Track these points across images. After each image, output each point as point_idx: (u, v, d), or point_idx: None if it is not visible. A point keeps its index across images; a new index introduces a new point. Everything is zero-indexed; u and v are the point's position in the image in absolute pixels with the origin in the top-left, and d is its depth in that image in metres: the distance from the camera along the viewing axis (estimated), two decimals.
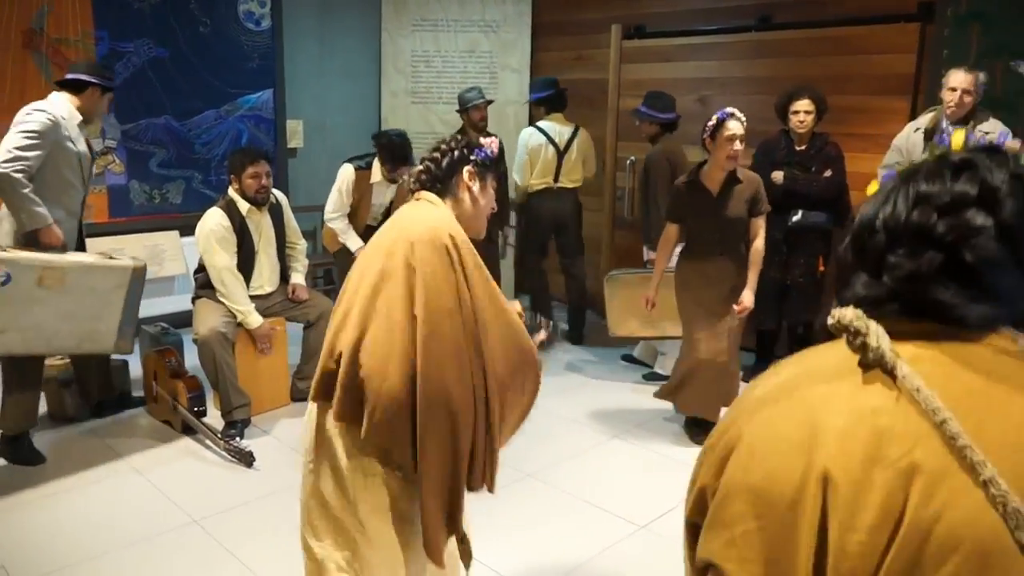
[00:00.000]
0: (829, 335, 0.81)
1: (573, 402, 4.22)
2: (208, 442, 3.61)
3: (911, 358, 0.73)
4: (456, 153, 1.97)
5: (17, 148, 3.17)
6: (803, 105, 4.05)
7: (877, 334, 0.75)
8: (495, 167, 2.06)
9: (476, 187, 1.98)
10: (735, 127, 3.30)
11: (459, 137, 2.05)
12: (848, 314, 0.77)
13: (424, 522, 1.77)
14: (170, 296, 4.01)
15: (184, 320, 4.52)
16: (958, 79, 3.49)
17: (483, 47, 6.20)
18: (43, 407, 3.85)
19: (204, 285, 3.85)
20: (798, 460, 0.72)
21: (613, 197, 5.46)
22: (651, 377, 4.57)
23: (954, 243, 0.73)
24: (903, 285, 0.76)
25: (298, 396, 4.13)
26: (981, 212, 0.73)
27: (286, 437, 3.76)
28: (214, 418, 3.79)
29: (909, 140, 3.72)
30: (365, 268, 1.84)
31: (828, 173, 4.10)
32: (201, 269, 3.88)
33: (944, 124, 3.60)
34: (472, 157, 1.98)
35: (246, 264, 3.87)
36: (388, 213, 4.57)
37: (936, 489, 0.66)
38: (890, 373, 0.73)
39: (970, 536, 0.65)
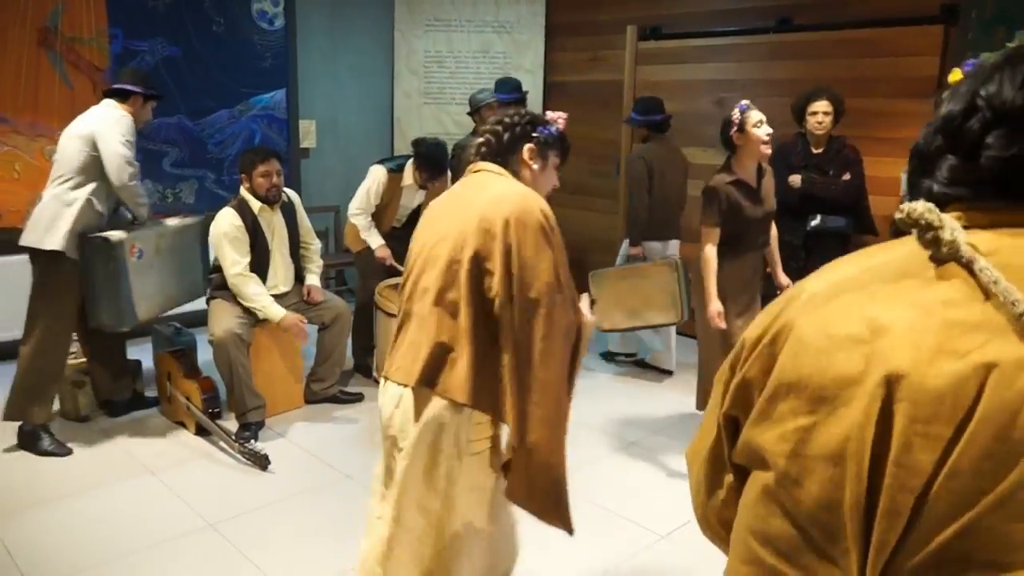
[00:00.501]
0: (898, 232, 0.78)
1: (586, 407, 4.17)
2: (222, 444, 3.58)
3: (988, 249, 0.70)
4: (518, 129, 1.91)
5: (130, 157, 3.44)
6: (821, 106, 4.00)
7: (951, 227, 0.71)
8: (559, 144, 1.99)
9: (536, 166, 1.93)
10: (759, 113, 3.27)
11: (523, 112, 1.98)
12: (919, 207, 0.74)
13: (539, 489, 1.79)
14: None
15: (197, 320, 4.50)
16: None
17: (496, 48, 6.17)
18: (56, 407, 3.84)
19: (219, 286, 3.82)
20: (857, 354, 0.70)
21: (627, 198, 5.42)
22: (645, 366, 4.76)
23: None
24: (1005, 165, 0.72)
25: (312, 398, 4.10)
26: None
27: (301, 440, 3.72)
28: (228, 419, 3.75)
29: None
30: (454, 244, 1.77)
31: (847, 176, 4.05)
32: (215, 270, 3.86)
33: None
34: (534, 134, 1.92)
35: (260, 263, 3.84)
36: (415, 215, 4.54)
37: (1014, 382, 0.63)
38: (966, 266, 0.70)
39: None
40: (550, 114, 2.01)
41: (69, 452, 3.48)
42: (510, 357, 1.73)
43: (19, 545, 2.78)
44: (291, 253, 4.01)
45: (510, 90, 4.96)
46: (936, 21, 4.12)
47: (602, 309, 4.28)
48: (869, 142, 4.25)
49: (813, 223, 4.07)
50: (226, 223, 3.72)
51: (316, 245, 4.19)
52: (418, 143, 4.31)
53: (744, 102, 3.29)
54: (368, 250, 4.40)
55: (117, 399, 3.89)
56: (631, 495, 3.24)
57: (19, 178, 4.54)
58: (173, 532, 2.90)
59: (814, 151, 4.10)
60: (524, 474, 1.79)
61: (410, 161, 4.32)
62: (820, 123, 4.00)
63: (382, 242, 4.37)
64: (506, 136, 1.91)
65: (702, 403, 3.72)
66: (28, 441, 3.48)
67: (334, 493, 3.24)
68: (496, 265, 1.72)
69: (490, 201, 1.79)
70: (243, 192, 3.83)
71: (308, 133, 5.86)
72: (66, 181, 3.42)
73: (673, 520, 3.04)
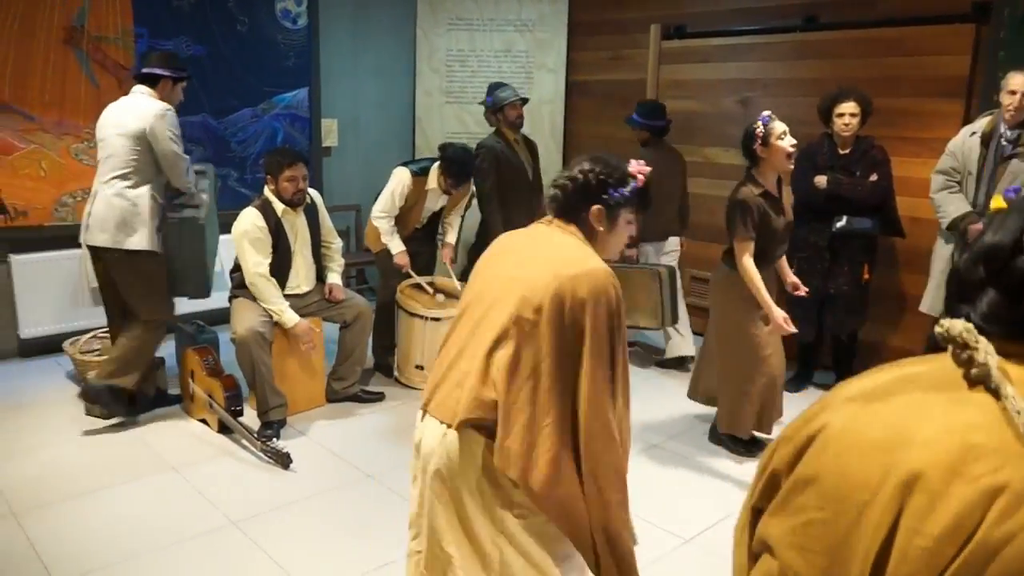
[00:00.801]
0: (935, 346, 0.79)
1: None
2: (245, 442, 3.59)
3: (1019, 379, 0.71)
4: (587, 189, 1.82)
5: (181, 151, 3.62)
6: (848, 107, 3.95)
7: (986, 350, 0.72)
8: (634, 202, 1.86)
9: (602, 227, 1.84)
10: (782, 124, 3.23)
11: (599, 168, 1.84)
12: (958, 326, 0.75)
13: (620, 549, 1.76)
14: (217, 292, 4.06)
15: (219, 318, 4.52)
16: (1018, 82, 3.37)
17: (519, 46, 6.15)
18: (81, 403, 3.88)
19: (241, 284, 3.83)
20: (876, 461, 0.71)
21: None
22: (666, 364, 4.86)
23: None
24: None
25: (333, 397, 4.10)
26: None
27: (322, 439, 3.73)
28: (250, 418, 3.77)
29: (965, 144, 3.61)
30: (520, 303, 1.70)
31: (874, 177, 3.99)
32: (238, 268, 3.87)
33: (1002, 128, 3.49)
34: (604, 195, 1.82)
35: (282, 264, 3.85)
36: (436, 217, 4.54)
37: (1015, 512, 0.64)
38: (993, 392, 0.71)
39: None
40: (633, 165, 1.86)
41: (134, 415, 3.76)
42: (564, 429, 1.70)
43: (43, 539, 2.80)
44: (313, 253, 4.02)
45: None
46: (967, 20, 4.05)
47: None
48: (897, 142, 4.19)
49: (839, 224, 4.02)
50: (249, 223, 3.72)
51: (337, 244, 4.20)
52: (445, 147, 4.29)
53: (766, 113, 3.24)
54: (388, 249, 4.40)
55: (142, 395, 3.92)
56: (654, 499, 3.20)
57: (45, 176, 4.58)
58: (196, 529, 2.91)
59: (840, 152, 4.05)
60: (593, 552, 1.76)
61: (435, 165, 4.31)
62: (847, 125, 3.95)
63: (402, 248, 4.36)
64: (574, 194, 1.82)
65: (694, 391, 3.82)
66: (99, 397, 3.65)
67: (356, 492, 3.24)
68: (560, 338, 1.68)
69: (562, 269, 1.71)
70: (267, 193, 3.84)
71: (330, 132, 5.88)
72: (123, 179, 3.56)
73: (697, 524, 3.01)
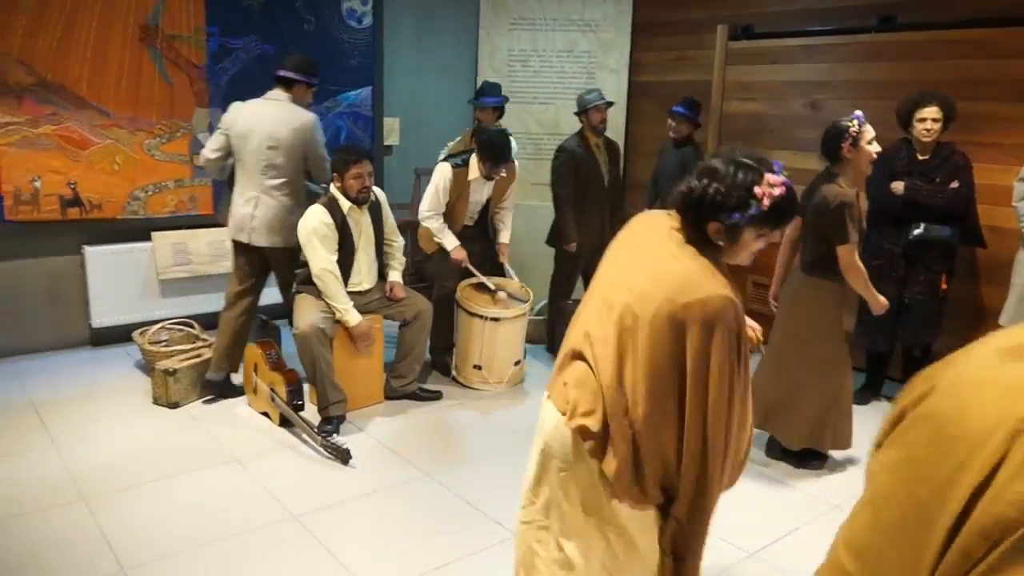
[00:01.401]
0: None
1: None
2: (305, 437, 3.63)
3: None
4: (702, 206, 1.69)
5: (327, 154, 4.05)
6: (931, 112, 3.80)
7: None
8: (760, 222, 1.67)
9: (722, 243, 1.73)
10: (872, 129, 3.13)
11: (725, 181, 1.66)
12: None
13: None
14: (270, 288, 4.13)
15: (282, 312, 4.58)
16: None
17: (581, 47, 6.10)
18: (149, 392, 3.98)
19: (305, 281, 3.87)
20: (997, 408, 0.71)
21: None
22: None
23: None
24: None
25: (392, 395, 4.12)
26: None
27: (380, 435, 3.75)
28: (310, 412, 3.81)
29: None
30: (634, 312, 1.66)
31: (955, 184, 3.84)
32: (302, 265, 3.91)
33: None
34: (718, 217, 1.67)
35: (346, 261, 3.88)
36: (485, 211, 4.54)
37: None
38: None
39: None
40: (764, 183, 1.64)
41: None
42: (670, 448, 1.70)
43: (111, 525, 2.87)
44: (376, 251, 4.05)
45: (497, 93, 4.97)
46: None
47: None
48: (976, 148, 4.03)
49: (916, 232, 3.88)
50: (316, 220, 3.75)
51: (399, 243, 4.21)
52: (479, 132, 4.31)
53: (858, 113, 3.14)
54: (442, 249, 4.40)
55: (215, 379, 4.03)
56: (717, 510, 3.13)
57: (119, 170, 4.70)
58: (257, 521, 2.94)
59: (919, 157, 3.91)
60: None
61: (474, 155, 4.32)
62: (928, 131, 3.80)
63: (457, 243, 4.36)
64: (690, 209, 1.70)
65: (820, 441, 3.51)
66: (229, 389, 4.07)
67: (414, 490, 3.25)
68: (660, 363, 1.64)
69: (676, 295, 1.62)
70: (334, 190, 3.87)
71: (392, 131, 5.92)
72: (285, 186, 3.94)
73: (763, 537, 2.93)
